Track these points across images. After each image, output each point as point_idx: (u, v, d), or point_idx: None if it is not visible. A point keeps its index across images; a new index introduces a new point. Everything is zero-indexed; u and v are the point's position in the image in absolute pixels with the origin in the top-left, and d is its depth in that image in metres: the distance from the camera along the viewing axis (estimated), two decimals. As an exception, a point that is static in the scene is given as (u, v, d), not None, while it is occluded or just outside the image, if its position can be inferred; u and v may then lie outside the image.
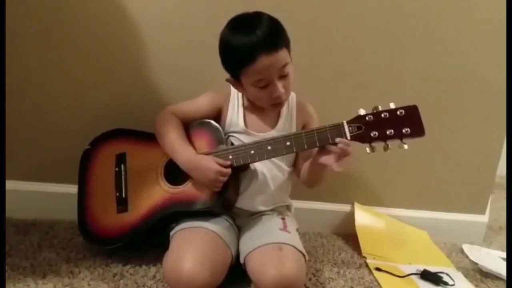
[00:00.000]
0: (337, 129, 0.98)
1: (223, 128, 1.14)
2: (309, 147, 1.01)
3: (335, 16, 1.37)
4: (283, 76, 1.04)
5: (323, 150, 1.01)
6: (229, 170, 1.04)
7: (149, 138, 1.16)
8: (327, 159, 0.99)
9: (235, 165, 1.05)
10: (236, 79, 1.08)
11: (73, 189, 1.26)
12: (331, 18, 1.37)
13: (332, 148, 0.98)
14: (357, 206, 1.51)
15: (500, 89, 1.45)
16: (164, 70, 1.36)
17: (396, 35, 1.40)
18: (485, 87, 1.46)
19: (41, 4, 1.28)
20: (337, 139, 0.97)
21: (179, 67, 1.34)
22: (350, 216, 1.51)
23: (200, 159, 1.05)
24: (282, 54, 1.01)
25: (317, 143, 0.99)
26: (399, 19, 1.39)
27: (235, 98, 1.17)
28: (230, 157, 1.05)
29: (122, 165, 1.20)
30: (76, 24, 1.31)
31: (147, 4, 1.30)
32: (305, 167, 1.13)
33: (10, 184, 1.32)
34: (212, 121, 1.13)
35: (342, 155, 0.97)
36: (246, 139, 1.11)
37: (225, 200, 1.09)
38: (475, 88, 1.47)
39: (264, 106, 1.11)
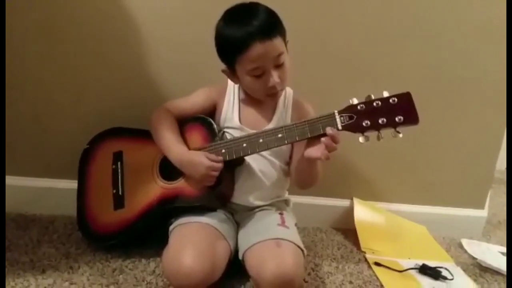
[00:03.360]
0: (328, 120, 0.97)
1: (218, 123, 1.15)
2: (300, 138, 0.99)
3: (333, 9, 1.36)
4: (278, 66, 1.04)
5: (310, 144, 0.99)
6: (220, 165, 1.03)
7: (146, 135, 1.16)
8: (314, 151, 0.97)
9: (227, 158, 1.05)
10: (231, 69, 1.08)
11: (72, 184, 1.27)
12: (330, 11, 1.36)
13: (322, 139, 0.95)
14: (356, 201, 1.51)
15: (499, 83, 1.44)
16: (165, 67, 1.35)
17: (396, 29, 1.39)
18: (484, 81, 1.46)
19: (40, 1, 1.27)
20: (328, 129, 0.95)
21: (180, 64, 1.34)
22: (349, 211, 1.51)
23: (191, 155, 1.06)
24: (277, 42, 1.01)
25: (309, 134, 0.98)
26: (399, 12, 1.38)
27: (231, 93, 1.17)
28: (223, 151, 1.05)
29: (119, 163, 1.20)
30: (76, 21, 1.30)
31: (147, 0, 1.30)
32: (293, 166, 1.14)
33: (10, 180, 1.32)
34: (206, 117, 1.13)
35: (330, 146, 0.94)
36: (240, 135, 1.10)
37: (220, 194, 1.09)
38: (474, 82, 1.46)
39: (259, 98, 1.11)
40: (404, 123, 0.92)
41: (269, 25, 1.01)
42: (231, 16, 1.04)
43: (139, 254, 1.18)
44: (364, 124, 0.94)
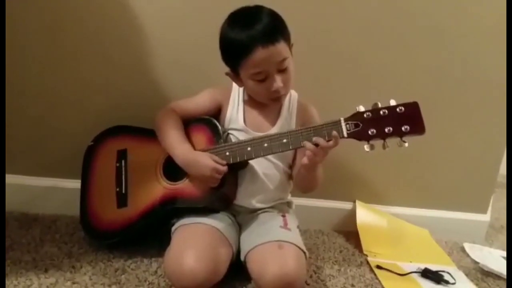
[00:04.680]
0: (334, 127, 0.97)
1: (222, 124, 1.15)
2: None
3: (339, 13, 1.36)
4: (282, 70, 1.03)
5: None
6: (225, 168, 1.03)
7: (151, 134, 1.16)
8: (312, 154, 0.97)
9: (231, 162, 1.05)
10: (235, 73, 1.08)
11: (75, 184, 1.27)
12: (336, 16, 1.36)
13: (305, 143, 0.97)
14: (358, 204, 1.51)
15: (503, 87, 1.44)
16: (167, 67, 1.36)
17: (400, 33, 1.39)
18: (488, 86, 1.45)
19: (43, 1, 1.28)
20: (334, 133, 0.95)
21: (183, 64, 1.34)
22: (352, 213, 1.50)
23: (196, 156, 1.05)
24: (280, 47, 1.01)
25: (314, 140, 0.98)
26: (403, 17, 1.38)
27: (236, 95, 1.17)
28: (227, 153, 1.05)
29: (123, 161, 1.20)
30: (78, 21, 1.31)
31: (151, 1, 1.30)
32: (296, 170, 1.14)
33: (13, 179, 1.33)
34: (211, 118, 1.13)
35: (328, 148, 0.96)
36: (244, 138, 1.10)
37: (223, 196, 1.09)
38: (477, 87, 1.46)
39: (263, 101, 1.11)
40: (410, 132, 0.92)
41: (272, 29, 1.00)
42: (235, 20, 1.04)
43: (142, 254, 1.18)
44: (370, 132, 0.94)
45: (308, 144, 0.96)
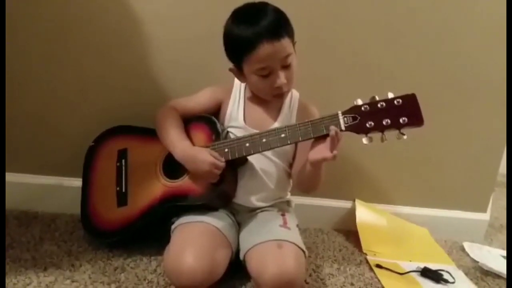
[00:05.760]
0: (332, 120, 0.97)
1: (222, 122, 1.15)
2: (303, 138, 0.99)
3: (338, 9, 1.36)
4: (285, 67, 1.04)
5: (314, 147, 0.99)
6: (223, 164, 1.04)
7: (151, 134, 1.16)
8: (319, 152, 0.97)
9: (230, 158, 1.05)
10: (238, 68, 1.08)
11: (75, 182, 1.27)
12: (335, 12, 1.36)
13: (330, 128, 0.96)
14: (358, 203, 1.51)
15: (503, 87, 1.44)
16: (168, 66, 1.35)
17: (400, 32, 1.39)
18: (488, 85, 1.45)
19: (43, 1, 1.27)
20: (332, 127, 0.95)
21: (183, 63, 1.34)
22: (351, 212, 1.51)
23: (195, 152, 1.06)
24: (285, 43, 1.02)
25: (312, 134, 0.98)
26: (403, 14, 1.38)
27: (237, 93, 1.18)
28: (226, 150, 1.05)
29: (123, 160, 1.21)
30: (78, 20, 1.30)
31: (150, 0, 1.30)
32: (296, 169, 1.13)
33: (13, 177, 1.33)
34: (211, 116, 1.14)
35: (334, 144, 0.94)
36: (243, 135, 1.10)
37: (222, 193, 1.09)
38: (477, 86, 1.46)
39: (265, 97, 1.11)
40: (409, 124, 0.92)
41: (278, 25, 1.01)
42: (240, 16, 1.04)
43: (141, 252, 1.18)
44: (367, 125, 0.94)
45: (333, 127, 0.94)
